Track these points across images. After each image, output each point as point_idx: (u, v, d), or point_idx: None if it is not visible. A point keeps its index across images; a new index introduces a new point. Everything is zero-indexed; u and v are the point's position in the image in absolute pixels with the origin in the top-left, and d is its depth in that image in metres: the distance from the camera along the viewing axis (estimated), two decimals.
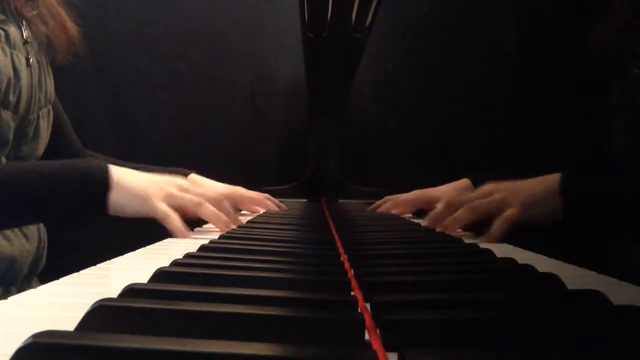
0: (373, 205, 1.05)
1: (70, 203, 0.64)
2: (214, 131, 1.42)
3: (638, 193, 0.62)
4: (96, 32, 0.98)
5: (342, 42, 0.80)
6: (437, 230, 0.68)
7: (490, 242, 0.62)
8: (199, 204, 0.68)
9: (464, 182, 0.94)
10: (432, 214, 0.73)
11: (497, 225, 0.63)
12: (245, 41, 1.43)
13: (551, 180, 0.64)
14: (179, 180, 0.72)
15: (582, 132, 1.04)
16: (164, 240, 0.62)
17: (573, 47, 0.94)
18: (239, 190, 0.96)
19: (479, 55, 1.40)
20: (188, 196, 0.69)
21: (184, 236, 0.65)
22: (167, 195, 0.67)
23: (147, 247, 0.57)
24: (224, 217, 0.69)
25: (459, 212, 0.67)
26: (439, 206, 0.72)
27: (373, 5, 0.71)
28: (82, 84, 1.35)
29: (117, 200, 0.64)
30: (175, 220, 0.65)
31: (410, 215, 1.00)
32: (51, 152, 0.91)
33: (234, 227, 0.69)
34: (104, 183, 0.64)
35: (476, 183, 0.88)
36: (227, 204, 0.73)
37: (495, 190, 0.68)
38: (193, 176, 0.93)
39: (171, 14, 1.41)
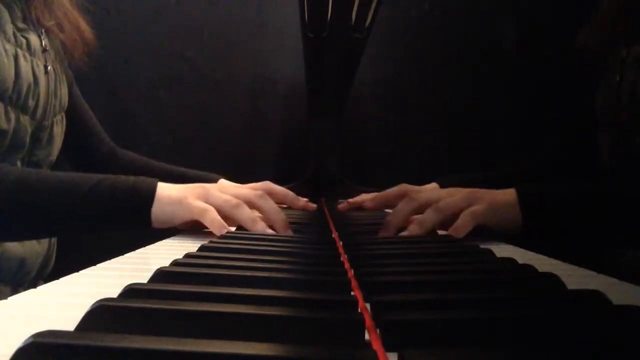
0: (350, 201, 0.97)
1: (113, 217, 0.63)
2: (214, 131, 1.42)
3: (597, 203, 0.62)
4: (96, 32, 0.98)
5: (342, 42, 0.80)
6: (403, 234, 0.64)
7: (456, 235, 0.61)
8: (236, 206, 0.65)
9: (433, 186, 0.94)
10: (391, 213, 0.69)
11: (464, 218, 0.62)
12: (246, 41, 1.43)
13: (509, 192, 0.64)
14: (222, 182, 0.69)
15: (578, 132, 1.05)
16: (164, 240, 0.62)
17: (569, 48, 0.94)
18: (271, 190, 0.92)
19: (479, 55, 1.40)
20: (225, 196, 0.66)
21: (220, 230, 0.62)
22: (203, 194, 0.65)
23: (148, 246, 0.57)
24: (260, 223, 0.65)
25: (427, 214, 0.64)
26: (400, 205, 0.68)
27: (373, 6, 0.71)
28: (82, 84, 1.35)
29: (157, 212, 0.63)
30: (211, 213, 0.63)
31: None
32: (83, 154, 0.95)
33: (284, 228, 0.66)
34: (149, 200, 0.62)
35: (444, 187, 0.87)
36: (270, 201, 0.69)
37: (458, 190, 0.67)
38: (222, 182, 0.90)
39: (171, 13, 1.41)
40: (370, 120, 1.46)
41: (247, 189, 0.71)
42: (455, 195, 0.66)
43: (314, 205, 0.95)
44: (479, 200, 0.64)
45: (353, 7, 0.69)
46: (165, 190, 0.64)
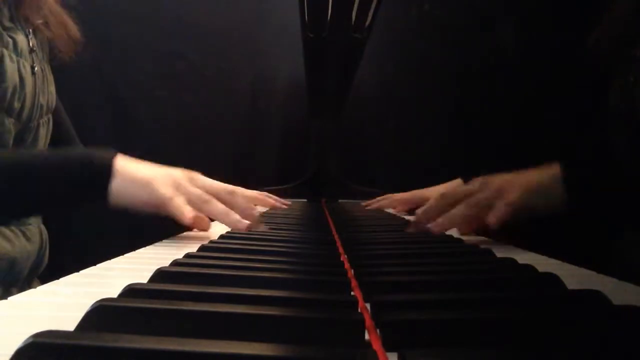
0: (370, 202, 1.07)
1: (69, 190, 0.61)
2: (214, 131, 1.42)
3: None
4: (96, 32, 0.98)
5: (342, 42, 0.80)
6: (430, 226, 0.63)
7: (492, 226, 0.59)
8: (207, 201, 0.63)
9: (457, 182, 0.92)
10: (422, 208, 0.68)
11: (498, 208, 0.59)
12: (245, 41, 1.43)
13: (551, 169, 0.62)
14: (190, 172, 0.67)
15: (583, 133, 1.04)
16: (164, 240, 0.62)
17: (574, 48, 0.94)
18: (239, 190, 0.94)
19: (479, 55, 1.40)
20: (196, 190, 0.63)
21: (189, 219, 0.60)
22: (174, 183, 0.63)
23: (147, 247, 0.57)
24: (234, 215, 0.64)
25: (457, 209, 0.62)
26: (431, 200, 0.67)
27: (373, 5, 0.71)
28: (82, 84, 1.35)
29: (118, 188, 0.60)
30: (178, 199, 0.60)
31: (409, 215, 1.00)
32: None
33: (251, 223, 0.65)
34: (106, 170, 0.60)
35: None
36: (240, 199, 0.68)
37: (490, 182, 0.64)
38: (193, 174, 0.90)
39: (171, 14, 1.41)
40: (370, 120, 1.46)
41: (217, 184, 0.68)
42: (488, 186, 0.63)
43: (287, 202, 0.99)
44: (512, 188, 0.61)
45: (353, 7, 0.69)
46: (130, 167, 0.62)
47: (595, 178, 0.61)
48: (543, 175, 0.62)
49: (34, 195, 0.62)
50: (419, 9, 1.42)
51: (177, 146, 1.40)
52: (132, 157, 0.64)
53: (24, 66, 0.78)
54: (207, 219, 0.68)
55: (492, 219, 0.59)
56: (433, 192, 0.93)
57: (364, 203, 1.10)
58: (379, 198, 1.07)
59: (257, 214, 0.67)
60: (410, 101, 1.44)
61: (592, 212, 0.64)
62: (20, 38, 0.78)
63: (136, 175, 0.61)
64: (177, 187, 0.63)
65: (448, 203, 0.65)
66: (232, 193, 0.67)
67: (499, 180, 0.64)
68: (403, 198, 1.03)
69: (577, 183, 0.60)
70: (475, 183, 0.66)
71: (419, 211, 0.67)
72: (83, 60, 0.94)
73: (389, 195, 1.06)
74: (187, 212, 0.61)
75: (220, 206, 0.64)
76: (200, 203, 0.63)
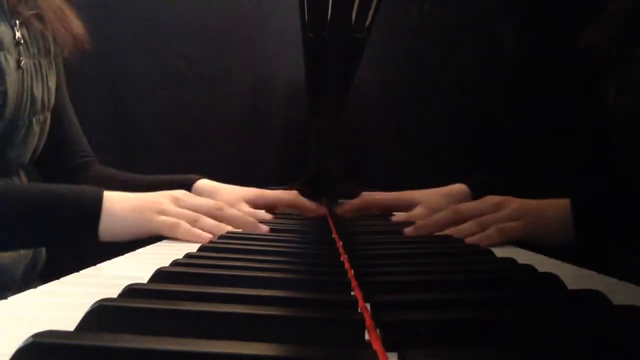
0: (343, 209, 0.90)
1: (58, 232, 0.62)
2: (214, 131, 1.42)
3: None
4: (95, 31, 0.98)
5: (342, 42, 0.80)
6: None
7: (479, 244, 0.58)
8: (196, 220, 0.63)
9: (460, 188, 0.85)
10: (431, 217, 0.66)
11: (490, 232, 0.59)
12: (245, 40, 1.43)
13: (562, 203, 0.61)
14: (173, 192, 0.67)
15: (583, 133, 1.04)
16: (163, 241, 0.62)
17: (573, 48, 0.94)
18: (264, 193, 0.87)
19: (479, 55, 1.40)
20: (184, 211, 0.64)
21: (200, 238, 0.60)
22: (161, 210, 0.63)
23: (147, 247, 0.57)
24: (225, 227, 0.64)
25: (466, 226, 0.62)
26: (442, 213, 0.66)
27: (373, 5, 0.71)
28: (82, 84, 1.35)
29: (108, 226, 0.61)
30: (183, 225, 0.61)
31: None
32: (51, 161, 0.90)
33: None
34: (94, 213, 0.60)
35: (475, 190, 0.82)
36: (230, 210, 0.67)
37: (503, 204, 0.63)
38: (202, 183, 0.83)
39: (171, 13, 1.41)
40: (370, 120, 1.46)
41: (204, 201, 0.68)
42: (502, 208, 0.63)
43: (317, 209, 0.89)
44: (522, 217, 0.61)
45: (353, 7, 0.69)
46: (116, 205, 0.62)
47: (605, 217, 0.61)
48: (553, 210, 0.61)
49: (21, 237, 0.63)
50: (419, 9, 1.41)
51: (177, 146, 1.40)
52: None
53: (6, 59, 0.74)
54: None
55: (478, 242, 0.59)
56: (422, 196, 0.85)
57: (338, 210, 0.91)
58: (353, 201, 0.90)
59: (253, 221, 0.67)
60: (410, 101, 1.44)
61: (601, 249, 0.64)
62: (2, 29, 0.75)
63: (123, 211, 0.62)
64: (163, 212, 0.63)
65: (455, 219, 0.64)
66: (220, 208, 0.67)
67: (513, 205, 0.63)
68: (384, 200, 0.88)
69: (586, 225, 0.60)
70: (487, 201, 0.65)
71: (426, 220, 0.66)
72: (83, 60, 0.94)
73: (366, 194, 0.91)
74: (198, 232, 0.61)
75: (210, 221, 0.64)
76: (190, 223, 0.63)
